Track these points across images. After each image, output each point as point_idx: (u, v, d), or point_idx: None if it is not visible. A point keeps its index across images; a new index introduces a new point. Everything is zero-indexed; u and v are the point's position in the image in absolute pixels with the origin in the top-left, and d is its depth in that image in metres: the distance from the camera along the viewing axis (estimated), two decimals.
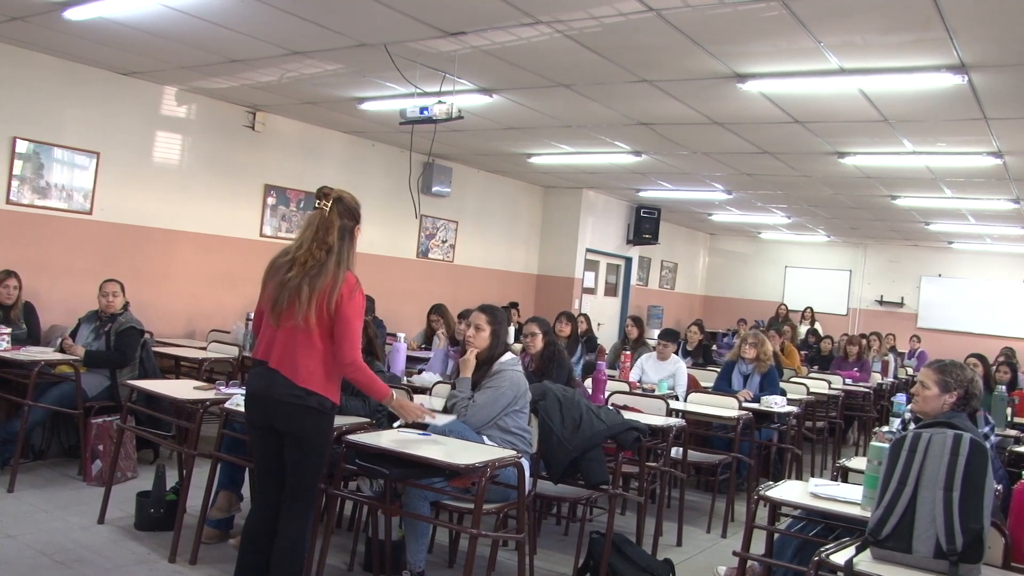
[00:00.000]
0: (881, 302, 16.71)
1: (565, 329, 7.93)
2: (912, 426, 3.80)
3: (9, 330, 6.05)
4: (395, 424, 4.30)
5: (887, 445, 3.04)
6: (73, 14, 5.78)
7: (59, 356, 6.02)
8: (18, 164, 7.01)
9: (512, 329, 8.55)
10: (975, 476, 2.76)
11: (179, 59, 6.93)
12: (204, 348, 7.47)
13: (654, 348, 7.91)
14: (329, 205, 3.53)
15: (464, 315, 5.36)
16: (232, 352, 7.30)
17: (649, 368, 7.54)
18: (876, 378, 10.54)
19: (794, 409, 6.99)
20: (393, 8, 5.22)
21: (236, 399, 4.57)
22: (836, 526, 3.46)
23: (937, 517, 2.74)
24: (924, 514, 2.77)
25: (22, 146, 7.02)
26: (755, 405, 6.69)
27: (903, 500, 2.82)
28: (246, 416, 3.73)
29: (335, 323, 3.45)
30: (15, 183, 7.00)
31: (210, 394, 4.89)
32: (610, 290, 14.85)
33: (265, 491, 3.66)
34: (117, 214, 7.62)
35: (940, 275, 16.15)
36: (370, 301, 9.20)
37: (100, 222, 7.55)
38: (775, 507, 3.68)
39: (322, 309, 3.41)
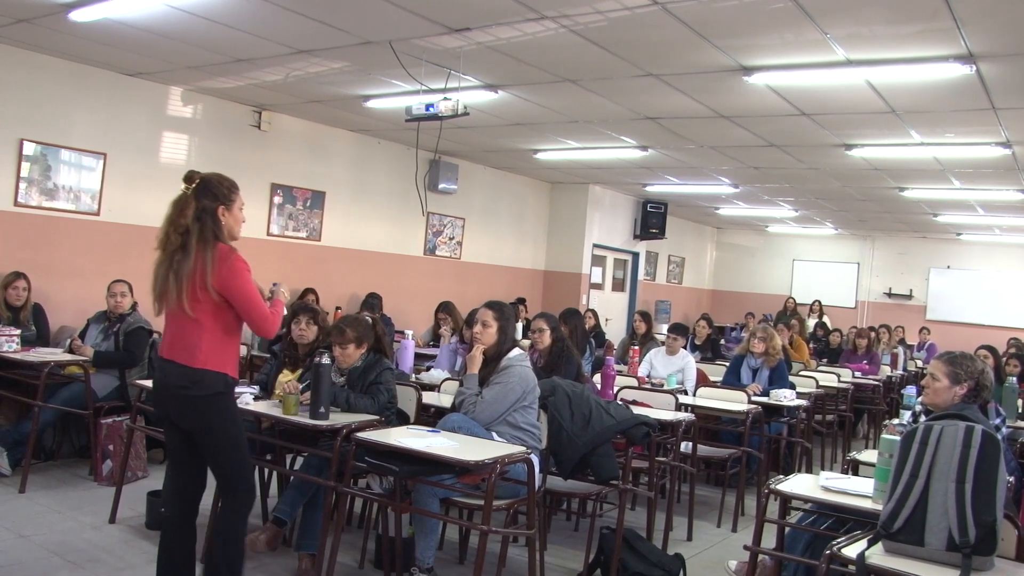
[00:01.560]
0: (890, 294, 16.65)
1: (566, 331, 7.89)
2: (923, 418, 3.78)
3: (18, 332, 6.08)
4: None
5: (898, 438, 3.03)
6: (79, 15, 5.78)
7: (68, 357, 6.04)
8: (26, 166, 7.02)
9: (520, 325, 8.54)
10: (987, 468, 2.75)
11: (185, 59, 6.93)
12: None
13: (662, 343, 7.90)
14: (191, 188, 3.50)
15: (470, 321, 5.34)
16: (240, 351, 7.29)
17: (658, 363, 7.53)
18: (885, 371, 10.51)
19: (803, 403, 6.97)
20: (398, 5, 5.21)
21: (245, 398, 4.58)
22: (847, 519, 3.45)
23: (949, 509, 2.72)
24: (936, 506, 2.76)
25: (29, 148, 7.03)
26: (764, 399, 6.67)
27: (915, 493, 2.81)
28: (154, 408, 3.71)
29: (232, 300, 3.42)
30: (23, 185, 7.01)
31: None
32: (617, 285, 14.84)
33: (175, 482, 3.62)
34: (124, 215, 7.63)
35: (949, 267, 16.08)
36: (377, 298, 9.29)
37: (108, 223, 7.56)
38: (786, 501, 3.66)
39: (195, 291, 3.36)
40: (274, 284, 3.81)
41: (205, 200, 3.48)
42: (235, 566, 3.51)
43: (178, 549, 3.55)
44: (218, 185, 3.56)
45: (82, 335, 6.36)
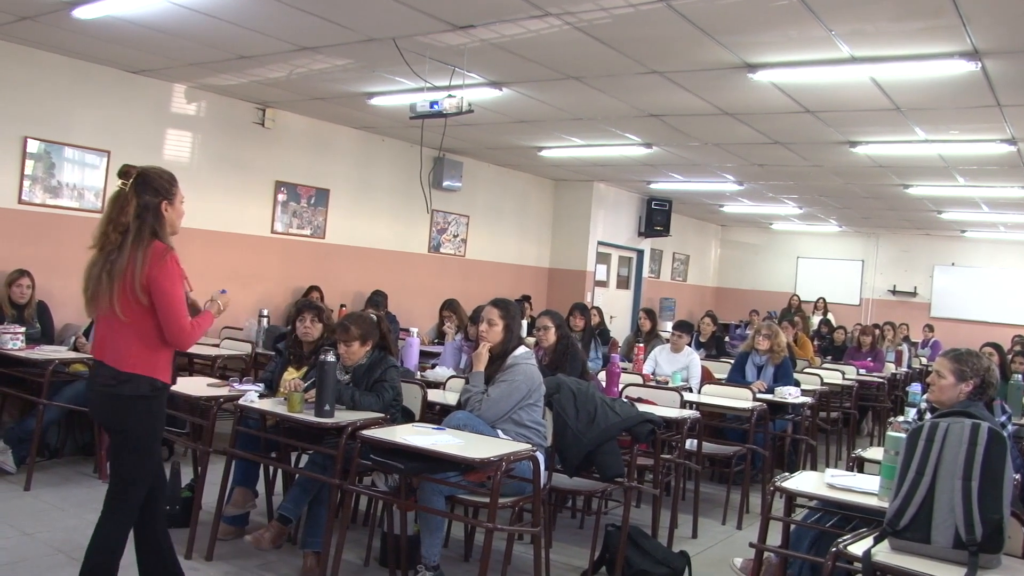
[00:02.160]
0: (894, 292, 16.63)
1: (579, 322, 7.92)
2: (928, 416, 3.77)
3: (23, 329, 6.09)
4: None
5: (904, 435, 3.02)
6: (82, 13, 5.79)
7: (73, 355, 6.06)
8: (29, 164, 7.03)
9: (524, 323, 8.54)
10: (994, 465, 2.74)
11: (188, 56, 6.93)
12: (217, 345, 7.49)
13: (667, 340, 7.89)
14: (129, 184, 3.31)
15: (475, 318, 5.37)
16: (245, 349, 7.32)
17: (662, 360, 7.52)
18: (890, 368, 10.49)
19: (808, 400, 6.97)
20: (401, 2, 5.21)
21: (250, 396, 4.59)
22: (853, 517, 3.44)
23: (956, 507, 2.72)
24: (943, 504, 2.75)
25: (33, 146, 7.04)
26: (769, 396, 6.67)
27: (921, 490, 2.80)
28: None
29: (154, 300, 3.25)
30: (27, 183, 7.03)
31: (224, 391, 4.91)
32: (622, 283, 14.83)
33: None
34: None
35: (953, 264, 16.06)
36: (382, 296, 9.29)
37: None
38: (791, 498, 3.66)
39: (126, 291, 3.21)
40: (220, 291, 3.69)
41: (147, 196, 3.30)
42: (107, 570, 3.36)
43: (150, 541, 3.51)
44: (158, 178, 3.36)
45: (86, 333, 6.37)
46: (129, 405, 3.29)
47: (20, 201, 6.99)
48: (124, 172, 3.35)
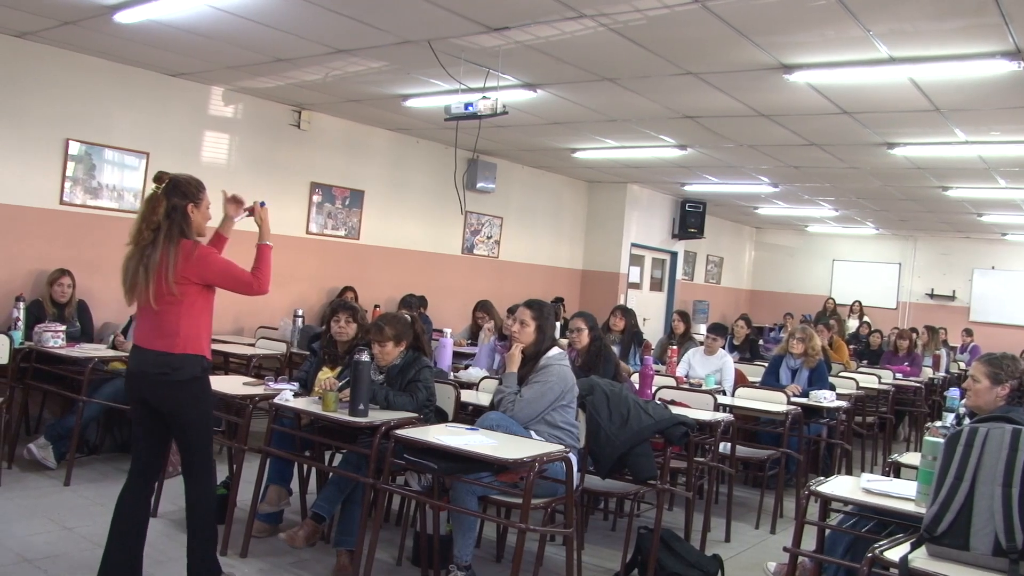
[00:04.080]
0: (932, 295, 16.41)
1: (619, 323, 7.88)
2: (966, 421, 3.72)
3: (64, 328, 6.20)
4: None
5: (942, 440, 2.98)
6: (123, 17, 5.87)
7: (112, 353, 6.14)
8: (71, 165, 7.14)
9: (558, 324, 8.53)
10: None
11: (226, 59, 7.01)
12: (252, 345, 7.56)
13: (701, 343, 7.85)
14: (161, 188, 3.71)
15: (513, 310, 5.37)
16: (280, 348, 7.37)
17: (696, 363, 7.49)
18: (927, 373, 10.36)
19: (843, 404, 6.89)
20: (437, 4, 5.23)
21: (285, 395, 4.63)
22: (888, 522, 3.40)
23: (996, 513, 2.67)
24: (982, 510, 2.71)
25: (75, 148, 7.15)
26: (804, 400, 6.61)
27: (960, 496, 2.76)
28: (126, 393, 3.95)
29: (214, 283, 3.72)
30: (68, 184, 7.14)
31: (259, 390, 4.96)
32: (655, 285, 14.77)
33: (140, 457, 3.86)
34: None
35: (993, 267, 15.81)
36: (421, 300, 9.32)
37: None
38: (826, 503, 3.62)
39: (161, 283, 3.57)
40: (260, 203, 4.06)
41: (175, 198, 3.69)
42: (213, 535, 3.87)
43: (129, 521, 3.78)
44: (187, 184, 3.76)
45: (125, 331, 6.46)
46: (185, 389, 3.67)
47: (62, 202, 7.10)
48: (158, 177, 3.77)
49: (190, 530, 3.81)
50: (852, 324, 14.71)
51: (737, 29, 5.26)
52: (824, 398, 6.62)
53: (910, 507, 3.22)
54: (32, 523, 4.75)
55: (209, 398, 3.85)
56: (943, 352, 11.58)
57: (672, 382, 6.48)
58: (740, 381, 7.18)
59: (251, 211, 4.03)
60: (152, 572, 4.14)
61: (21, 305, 6.26)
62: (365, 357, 4.33)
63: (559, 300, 11.62)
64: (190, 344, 3.65)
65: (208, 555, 3.83)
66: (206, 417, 3.83)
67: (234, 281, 3.73)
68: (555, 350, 4.54)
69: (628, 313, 8.02)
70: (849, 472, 7.20)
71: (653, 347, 9.10)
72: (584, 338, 5.77)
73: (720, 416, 5.50)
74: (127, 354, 6.00)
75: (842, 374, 8.44)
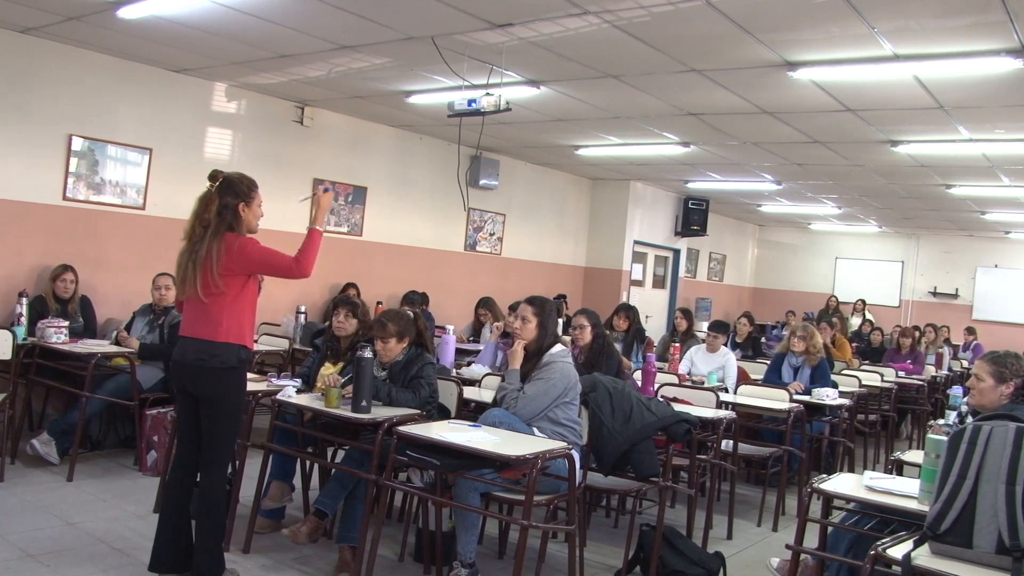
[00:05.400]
0: (935, 293, 16.40)
1: (623, 324, 7.87)
2: (969, 420, 3.72)
3: (66, 323, 6.20)
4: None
5: (945, 438, 2.98)
6: (127, 13, 5.86)
7: (115, 349, 6.15)
8: (74, 161, 7.13)
9: (561, 322, 8.53)
10: None
11: (229, 55, 7.00)
12: (255, 341, 7.55)
13: (703, 340, 7.85)
14: (215, 186, 3.83)
15: (515, 307, 5.39)
16: (283, 345, 7.39)
17: (698, 360, 7.49)
18: (930, 371, 10.35)
19: (846, 402, 6.89)
20: (440, 1, 5.22)
21: (287, 391, 4.63)
22: (891, 520, 3.39)
23: (999, 511, 2.67)
24: (985, 508, 2.70)
25: (77, 143, 7.15)
26: (806, 397, 6.61)
27: (963, 494, 2.75)
28: (172, 383, 4.06)
29: (259, 271, 3.90)
30: (71, 180, 7.13)
31: (262, 386, 4.96)
32: (658, 282, 14.77)
33: (183, 447, 3.98)
34: (169, 209, 7.71)
35: (996, 266, 15.79)
36: (423, 297, 9.32)
37: (153, 217, 7.66)
38: (828, 500, 3.62)
39: (207, 276, 3.72)
40: (323, 188, 4.20)
41: (227, 197, 3.82)
42: (221, 530, 3.96)
43: (178, 512, 3.89)
44: (239, 183, 3.88)
45: (128, 327, 6.46)
46: (221, 377, 3.79)
47: (64, 198, 7.10)
48: (212, 176, 3.88)
49: (197, 524, 3.84)
50: (855, 322, 14.70)
51: (741, 26, 5.25)
52: (826, 396, 6.62)
53: (913, 505, 3.21)
54: (35, 519, 4.76)
55: (242, 392, 3.97)
56: (945, 350, 11.57)
57: (674, 379, 6.48)
58: (743, 379, 7.17)
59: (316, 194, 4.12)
60: None
61: (24, 301, 6.26)
62: (367, 353, 4.33)
63: (562, 297, 11.61)
64: (232, 334, 3.78)
65: (215, 549, 3.85)
66: (236, 410, 3.91)
67: (273, 267, 3.86)
68: (558, 347, 4.54)
69: (631, 312, 8.01)
70: (851, 470, 7.20)
71: (656, 344, 9.11)
72: (587, 335, 5.76)
73: (722, 413, 5.50)
74: (130, 350, 6.08)
75: (844, 372, 8.43)
